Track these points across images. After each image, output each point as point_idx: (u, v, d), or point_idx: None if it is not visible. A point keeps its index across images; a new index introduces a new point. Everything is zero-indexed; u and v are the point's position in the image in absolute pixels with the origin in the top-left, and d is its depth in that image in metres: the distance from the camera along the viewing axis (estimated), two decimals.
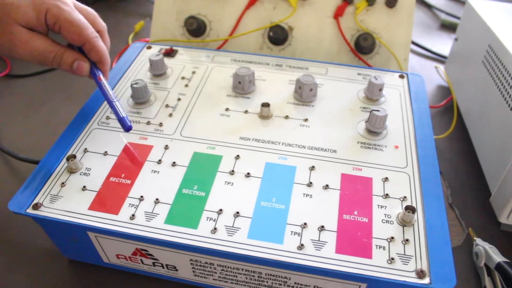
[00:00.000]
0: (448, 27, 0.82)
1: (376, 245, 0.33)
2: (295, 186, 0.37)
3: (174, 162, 0.39)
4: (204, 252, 0.34)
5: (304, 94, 0.46)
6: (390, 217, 0.35)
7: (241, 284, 0.37)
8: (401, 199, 0.37)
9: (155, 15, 0.60)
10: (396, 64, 0.57)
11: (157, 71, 0.49)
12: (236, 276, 0.36)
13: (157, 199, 0.36)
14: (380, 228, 0.35)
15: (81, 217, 0.35)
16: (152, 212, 0.35)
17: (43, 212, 0.35)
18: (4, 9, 0.37)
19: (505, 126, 0.45)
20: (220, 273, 0.36)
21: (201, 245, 0.33)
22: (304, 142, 0.42)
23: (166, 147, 0.41)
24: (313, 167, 0.39)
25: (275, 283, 0.36)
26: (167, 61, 0.52)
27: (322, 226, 0.34)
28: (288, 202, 0.36)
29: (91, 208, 0.36)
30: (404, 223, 0.35)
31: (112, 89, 0.44)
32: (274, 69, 0.51)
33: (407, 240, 0.34)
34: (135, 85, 0.45)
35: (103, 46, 0.42)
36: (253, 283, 0.36)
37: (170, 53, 0.53)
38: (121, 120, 0.40)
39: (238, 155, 0.40)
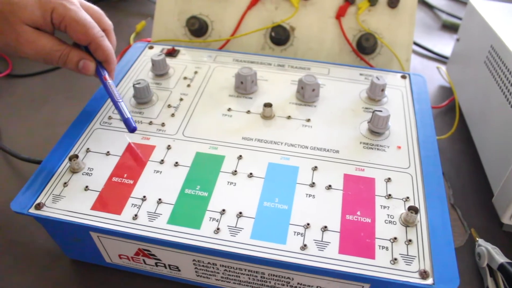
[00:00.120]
0: (449, 28, 0.82)
1: (379, 246, 0.33)
2: (297, 186, 0.37)
3: (176, 162, 0.39)
4: (207, 253, 0.34)
5: (307, 94, 0.46)
6: (393, 218, 0.35)
7: (244, 285, 0.37)
8: (404, 199, 0.37)
9: (157, 15, 0.60)
10: (398, 64, 0.57)
11: (159, 71, 0.49)
12: (239, 277, 0.36)
13: (159, 199, 0.36)
14: (383, 228, 0.35)
15: (84, 217, 0.35)
16: (154, 212, 0.35)
17: (45, 212, 0.35)
18: (11, 8, 0.37)
19: (507, 127, 0.45)
20: (222, 273, 0.36)
21: (204, 245, 0.33)
22: (307, 143, 0.42)
23: (169, 147, 0.41)
24: (315, 167, 0.39)
25: (278, 284, 0.36)
26: (169, 61, 0.52)
27: (325, 227, 0.34)
28: (291, 202, 0.36)
29: (94, 208, 0.36)
30: (407, 223, 0.35)
31: None
32: (276, 69, 0.51)
33: (410, 240, 0.34)
34: (137, 85, 0.45)
35: (109, 45, 0.42)
36: (255, 283, 0.36)
37: (172, 53, 0.53)
38: (126, 121, 0.40)
39: (240, 155, 0.40)
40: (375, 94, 0.47)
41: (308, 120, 0.44)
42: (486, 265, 0.41)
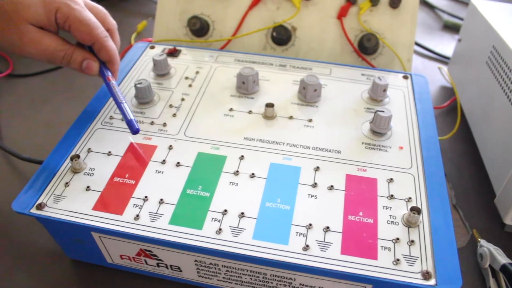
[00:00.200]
0: (451, 28, 0.82)
1: (382, 246, 0.33)
2: (300, 186, 0.37)
3: (178, 162, 0.39)
4: (208, 253, 0.34)
5: (308, 94, 0.46)
6: (395, 218, 0.35)
7: (246, 285, 0.37)
8: (406, 200, 0.37)
9: (158, 15, 0.60)
10: (400, 64, 0.57)
11: (161, 71, 0.49)
12: (241, 277, 0.36)
13: (161, 200, 0.36)
14: (385, 229, 0.34)
15: (85, 217, 0.35)
16: (156, 213, 0.35)
17: (47, 212, 0.35)
18: (15, 7, 0.37)
19: (510, 127, 0.45)
20: (224, 274, 0.36)
21: (205, 245, 0.33)
22: (309, 143, 0.42)
23: (170, 147, 0.41)
24: (317, 167, 0.39)
25: (280, 284, 0.36)
26: (171, 61, 0.52)
27: (327, 227, 0.34)
28: (293, 202, 0.36)
29: (95, 208, 0.36)
30: (409, 224, 0.35)
31: None
32: (277, 70, 0.51)
33: (412, 241, 0.34)
34: (139, 85, 0.45)
35: (113, 46, 0.42)
36: (257, 284, 0.36)
37: (173, 53, 0.53)
38: (129, 123, 0.40)
39: (242, 156, 0.40)
40: (377, 94, 0.46)
41: (310, 120, 0.44)
42: (488, 266, 0.41)
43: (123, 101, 0.41)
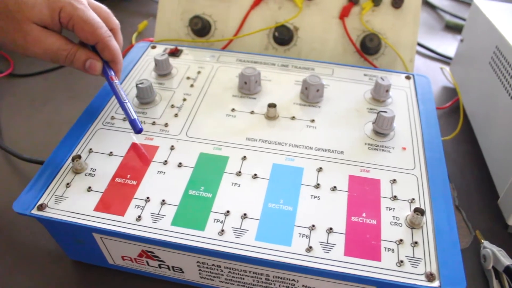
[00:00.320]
0: (452, 28, 0.82)
1: (385, 248, 0.33)
2: (302, 187, 0.37)
3: (180, 163, 0.39)
4: (211, 254, 0.34)
5: (311, 95, 0.46)
6: (398, 219, 0.35)
7: (248, 287, 0.37)
8: (410, 201, 0.36)
9: (159, 15, 0.60)
10: (402, 65, 0.57)
11: (162, 71, 0.49)
12: (243, 279, 0.36)
13: (163, 200, 0.36)
14: (389, 230, 0.34)
15: (87, 218, 0.35)
16: (158, 214, 0.35)
17: (48, 213, 0.35)
18: (19, 7, 0.37)
19: None
20: (227, 275, 0.36)
21: (208, 247, 0.33)
22: (311, 143, 0.41)
23: (172, 148, 0.41)
24: (320, 168, 0.39)
25: (283, 286, 0.35)
26: (172, 61, 0.52)
27: (331, 228, 0.34)
28: (296, 203, 0.36)
29: (97, 209, 0.35)
30: (412, 225, 0.34)
31: None
32: (280, 70, 0.51)
33: (416, 242, 0.33)
34: (140, 85, 0.44)
35: (116, 45, 0.42)
36: (260, 285, 0.36)
37: (175, 53, 0.53)
38: (132, 122, 0.40)
39: (244, 156, 0.40)
40: (380, 94, 0.46)
41: (313, 120, 0.44)
42: (491, 268, 0.41)
43: (126, 101, 0.41)
